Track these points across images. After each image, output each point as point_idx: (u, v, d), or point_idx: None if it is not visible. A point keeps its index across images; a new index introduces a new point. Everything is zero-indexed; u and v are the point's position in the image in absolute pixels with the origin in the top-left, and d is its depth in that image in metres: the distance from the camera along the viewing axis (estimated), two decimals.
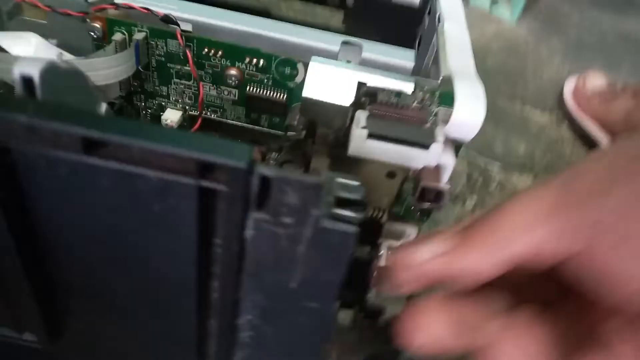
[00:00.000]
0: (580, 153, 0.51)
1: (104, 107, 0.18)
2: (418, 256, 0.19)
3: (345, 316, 0.30)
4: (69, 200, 0.15)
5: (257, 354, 0.18)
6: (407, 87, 0.23)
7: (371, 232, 0.28)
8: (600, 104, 0.55)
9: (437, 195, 0.25)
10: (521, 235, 0.17)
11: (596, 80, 0.58)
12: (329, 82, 0.22)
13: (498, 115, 0.52)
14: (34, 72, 0.14)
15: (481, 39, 0.71)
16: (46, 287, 0.18)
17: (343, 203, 0.15)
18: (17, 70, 0.14)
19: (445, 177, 0.24)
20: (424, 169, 0.25)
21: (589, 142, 0.55)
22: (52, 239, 0.16)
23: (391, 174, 0.26)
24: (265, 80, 0.24)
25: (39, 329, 0.20)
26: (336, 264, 0.15)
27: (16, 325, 0.20)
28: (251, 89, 0.24)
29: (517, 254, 0.18)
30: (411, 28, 0.35)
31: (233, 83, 0.24)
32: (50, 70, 0.14)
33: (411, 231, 0.29)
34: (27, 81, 0.14)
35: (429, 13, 0.33)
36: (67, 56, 0.22)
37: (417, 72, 0.30)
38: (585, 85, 0.58)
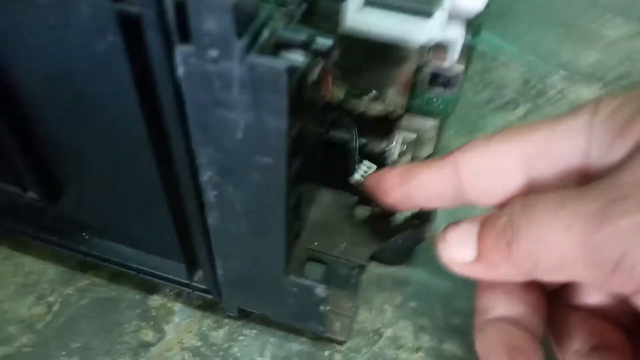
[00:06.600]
0: None
1: None
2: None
3: (362, 211, 0.29)
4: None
5: (226, 215, 0.18)
6: None
7: (385, 125, 0.27)
8: None
9: (450, 79, 0.23)
10: (553, 269, 0.15)
11: None
12: None
13: (569, 22, 0.46)
14: None
15: None
16: (31, 144, 0.19)
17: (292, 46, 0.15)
18: None
19: (455, 54, 0.22)
20: (433, 49, 0.23)
21: None
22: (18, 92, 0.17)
23: (402, 58, 0.24)
24: None
25: (36, 187, 0.21)
26: (275, 109, 0.14)
27: (19, 183, 0.21)
28: None
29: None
30: None
31: None
32: None
33: (431, 125, 0.27)
34: None
35: None
36: None
37: None
38: None
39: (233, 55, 0.13)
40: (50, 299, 0.25)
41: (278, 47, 0.14)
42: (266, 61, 0.13)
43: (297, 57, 0.14)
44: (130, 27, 0.14)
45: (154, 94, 0.15)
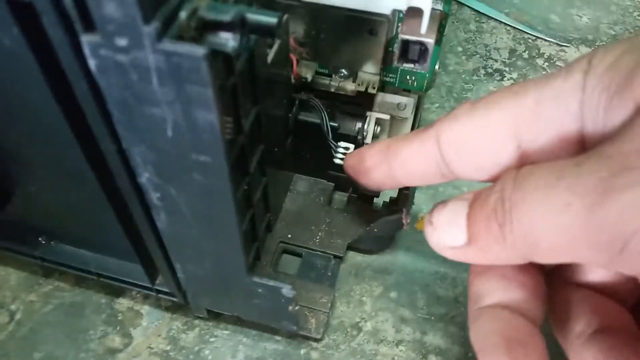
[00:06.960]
0: None
1: None
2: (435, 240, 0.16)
3: (339, 198, 0.28)
4: None
5: (174, 218, 0.17)
6: None
7: (358, 106, 0.25)
8: None
9: (421, 51, 0.21)
10: (552, 253, 0.13)
11: None
12: None
13: None
14: None
15: None
16: None
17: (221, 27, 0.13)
18: None
19: (424, 25, 0.20)
20: (402, 21, 0.21)
21: None
22: None
23: (372, 32, 0.23)
24: None
25: None
26: (201, 100, 0.12)
27: None
28: None
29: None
30: None
31: None
32: None
33: (407, 102, 0.25)
34: None
35: None
36: None
37: None
38: None
39: (143, 43, 0.11)
40: (13, 307, 0.24)
41: (207, 29, 0.13)
42: (182, 48, 0.11)
43: (228, 40, 0.13)
44: (29, 17, 0.12)
45: (71, 90, 0.13)
